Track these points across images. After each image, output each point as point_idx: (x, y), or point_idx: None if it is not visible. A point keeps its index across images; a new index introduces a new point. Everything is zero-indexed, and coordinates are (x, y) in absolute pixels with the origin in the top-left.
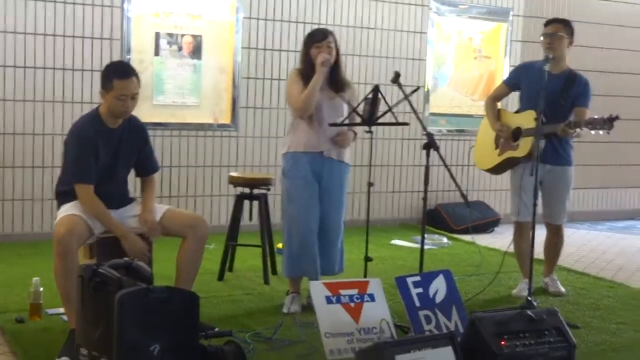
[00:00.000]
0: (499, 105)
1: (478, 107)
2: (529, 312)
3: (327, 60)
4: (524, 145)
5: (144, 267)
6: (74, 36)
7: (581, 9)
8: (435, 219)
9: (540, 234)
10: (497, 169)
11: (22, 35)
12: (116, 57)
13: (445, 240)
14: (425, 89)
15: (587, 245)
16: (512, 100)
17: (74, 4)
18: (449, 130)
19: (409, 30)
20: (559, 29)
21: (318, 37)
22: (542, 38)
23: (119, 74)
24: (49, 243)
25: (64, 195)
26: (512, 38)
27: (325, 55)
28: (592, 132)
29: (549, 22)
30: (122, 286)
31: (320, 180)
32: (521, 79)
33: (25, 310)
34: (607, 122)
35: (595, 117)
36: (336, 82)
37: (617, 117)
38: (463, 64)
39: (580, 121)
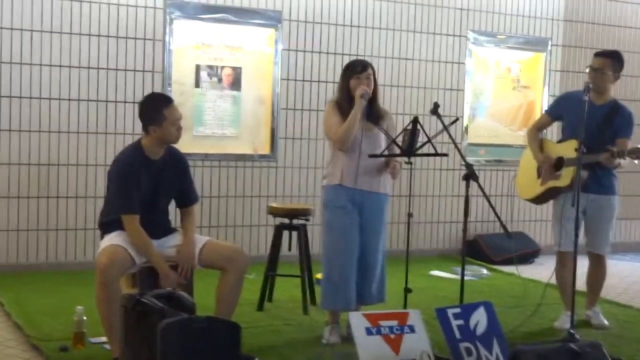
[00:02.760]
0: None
1: (517, 137)
2: (572, 345)
3: (365, 93)
4: (566, 175)
5: (186, 297)
6: (117, 69)
7: (622, 39)
8: (473, 249)
9: (583, 265)
10: (539, 199)
11: (67, 68)
12: (157, 89)
13: (484, 271)
14: (464, 120)
15: (630, 277)
16: (555, 129)
17: (117, 37)
18: (487, 161)
19: (447, 60)
20: (604, 66)
21: (358, 69)
22: (587, 69)
23: (164, 103)
24: (92, 272)
25: (107, 225)
26: (551, 68)
27: (365, 88)
28: (636, 161)
29: (597, 55)
30: (165, 316)
31: (361, 212)
32: (563, 109)
33: (69, 338)
34: None
35: (639, 146)
36: (374, 113)
37: None
38: (501, 94)
39: (624, 150)
